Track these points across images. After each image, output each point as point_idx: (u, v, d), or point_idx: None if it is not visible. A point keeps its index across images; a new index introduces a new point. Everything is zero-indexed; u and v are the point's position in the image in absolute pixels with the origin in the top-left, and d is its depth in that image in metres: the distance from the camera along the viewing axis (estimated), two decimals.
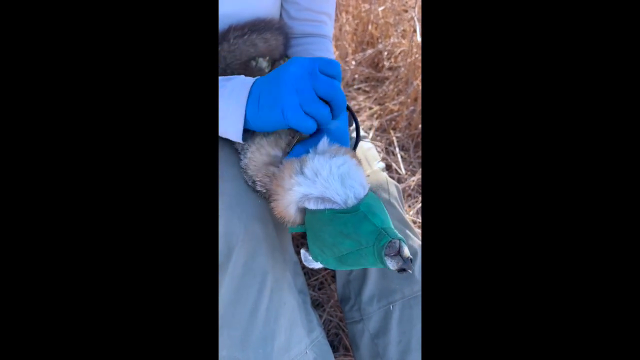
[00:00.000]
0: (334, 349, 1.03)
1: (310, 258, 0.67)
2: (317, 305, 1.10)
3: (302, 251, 0.68)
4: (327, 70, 0.64)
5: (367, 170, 0.89)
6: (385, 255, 0.58)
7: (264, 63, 0.86)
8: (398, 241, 0.58)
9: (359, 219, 0.60)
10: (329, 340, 1.02)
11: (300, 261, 0.83)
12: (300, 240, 1.15)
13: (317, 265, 0.68)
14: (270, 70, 0.91)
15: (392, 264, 0.58)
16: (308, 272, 1.14)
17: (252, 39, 0.86)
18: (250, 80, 0.69)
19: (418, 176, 1.31)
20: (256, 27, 0.87)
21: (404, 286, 0.79)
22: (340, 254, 0.61)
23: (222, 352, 0.70)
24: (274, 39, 0.90)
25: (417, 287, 0.79)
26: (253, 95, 0.67)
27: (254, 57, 0.87)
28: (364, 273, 0.81)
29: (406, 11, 1.73)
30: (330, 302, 1.09)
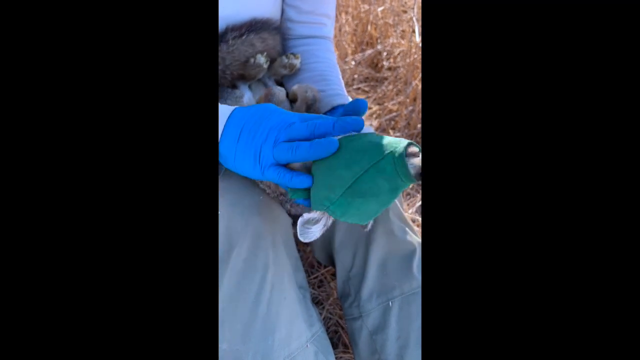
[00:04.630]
0: (334, 346, 1.04)
1: (308, 228, 0.64)
2: (316, 302, 1.10)
3: (300, 220, 0.64)
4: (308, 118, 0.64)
5: None
6: (407, 155, 0.57)
7: (262, 59, 0.86)
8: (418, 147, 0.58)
9: (377, 137, 0.60)
10: (328, 337, 1.03)
11: (301, 257, 0.83)
12: None
13: (314, 233, 0.64)
14: (268, 67, 0.91)
15: (413, 168, 0.57)
16: (308, 270, 1.15)
17: (250, 39, 0.87)
18: (229, 108, 0.67)
19: None
20: (253, 27, 0.87)
21: (402, 283, 0.80)
22: (355, 178, 0.58)
23: (223, 346, 0.71)
24: (272, 38, 0.90)
25: (416, 284, 0.80)
26: (232, 127, 0.65)
27: (252, 55, 0.88)
28: (363, 270, 0.82)
29: (405, 12, 1.74)
30: (329, 299, 1.10)
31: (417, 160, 0.57)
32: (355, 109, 0.74)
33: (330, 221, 0.65)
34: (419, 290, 0.79)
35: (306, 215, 0.64)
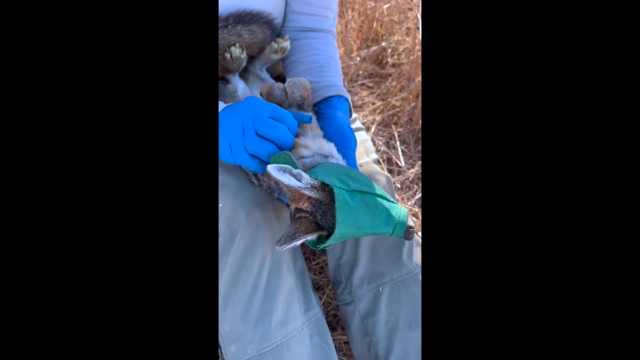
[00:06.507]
0: (333, 328, 1.11)
1: (283, 171, 0.63)
2: (317, 288, 1.17)
3: (285, 166, 0.64)
4: (276, 116, 0.71)
5: (363, 159, 0.95)
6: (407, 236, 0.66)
7: (237, 51, 0.86)
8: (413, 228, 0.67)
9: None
10: (327, 321, 1.10)
11: (302, 245, 0.88)
12: None
13: (282, 178, 0.62)
14: (259, 56, 0.94)
15: (408, 234, 0.67)
16: (309, 257, 1.21)
17: (237, 29, 0.86)
18: (220, 107, 0.75)
19: (417, 168, 1.37)
20: (241, 18, 0.86)
21: (392, 270, 0.86)
22: (369, 191, 0.65)
23: (225, 327, 0.78)
24: (261, 32, 0.90)
25: (405, 271, 0.85)
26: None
27: (226, 47, 0.86)
28: (354, 257, 0.88)
29: (411, 9, 1.78)
30: (329, 285, 1.16)
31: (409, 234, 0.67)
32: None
33: (303, 193, 0.65)
34: (408, 276, 0.85)
35: (295, 170, 0.63)
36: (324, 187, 0.65)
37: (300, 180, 0.64)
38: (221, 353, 1.03)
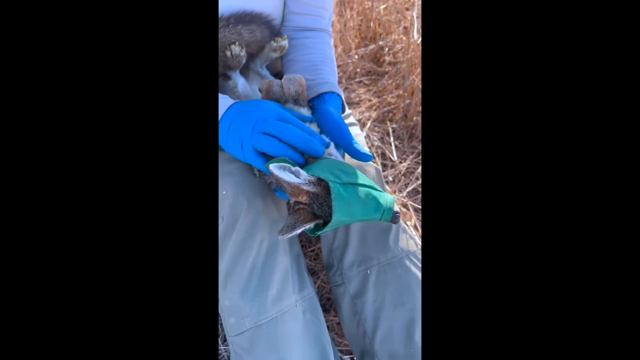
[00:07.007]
0: (326, 310, 1.19)
1: (282, 168, 0.70)
2: (312, 273, 1.25)
3: (284, 164, 0.71)
4: (284, 120, 0.78)
5: None
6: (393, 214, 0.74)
7: (236, 49, 0.92)
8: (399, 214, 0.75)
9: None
10: (321, 304, 1.17)
11: (299, 233, 0.95)
12: None
13: (282, 175, 0.70)
14: (258, 54, 1.00)
15: (395, 218, 0.74)
16: (306, 245, 1.29)
17: (237, 29, 0.93)
18: (227, 102, 0.82)
19: (408, 162, 1.45)
20: (242, 19, 0.93)
21: (379, 254, 0.93)
22: (360, 183, 0.73)
23: (225, 302, 0.86)
24: (260, 31, 0.96)
25: (391, 255, 0.93)
26: (225, 119, 0.80)
27: (227, 45, 0.92)
28: (345, 242, 0.96)
29: (408, 9, 1.85)
30: (323, 271, 1.24)
31: (396, 218, 0.74)
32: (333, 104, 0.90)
33: (301, 186, 0.72)
34: (394, 260, 0.93)
35: (294, 168, 0.71)
36: (320, 182, 0.74)
37: (298, 177, 0.72)
38: (222, 330, 1.11)
